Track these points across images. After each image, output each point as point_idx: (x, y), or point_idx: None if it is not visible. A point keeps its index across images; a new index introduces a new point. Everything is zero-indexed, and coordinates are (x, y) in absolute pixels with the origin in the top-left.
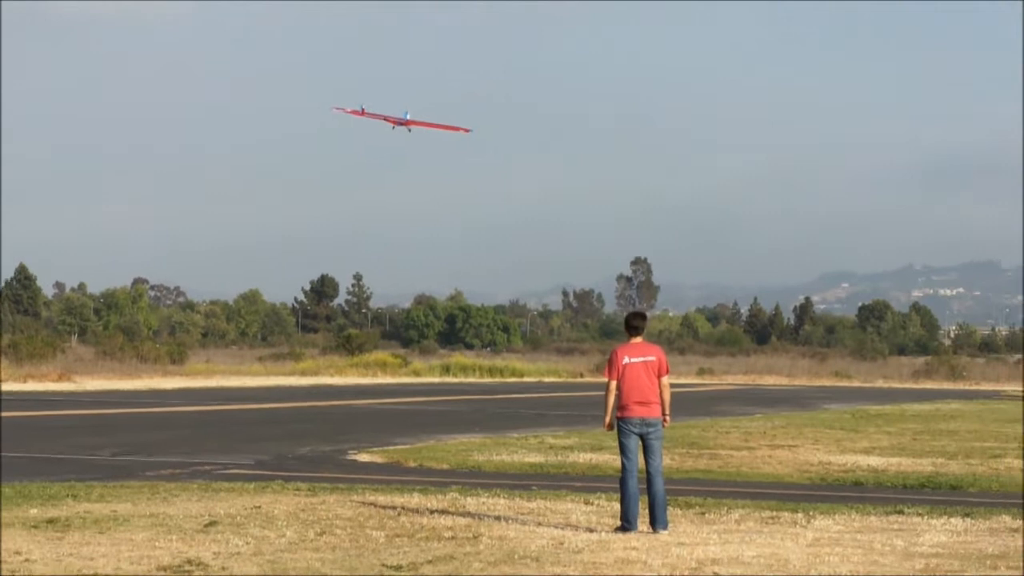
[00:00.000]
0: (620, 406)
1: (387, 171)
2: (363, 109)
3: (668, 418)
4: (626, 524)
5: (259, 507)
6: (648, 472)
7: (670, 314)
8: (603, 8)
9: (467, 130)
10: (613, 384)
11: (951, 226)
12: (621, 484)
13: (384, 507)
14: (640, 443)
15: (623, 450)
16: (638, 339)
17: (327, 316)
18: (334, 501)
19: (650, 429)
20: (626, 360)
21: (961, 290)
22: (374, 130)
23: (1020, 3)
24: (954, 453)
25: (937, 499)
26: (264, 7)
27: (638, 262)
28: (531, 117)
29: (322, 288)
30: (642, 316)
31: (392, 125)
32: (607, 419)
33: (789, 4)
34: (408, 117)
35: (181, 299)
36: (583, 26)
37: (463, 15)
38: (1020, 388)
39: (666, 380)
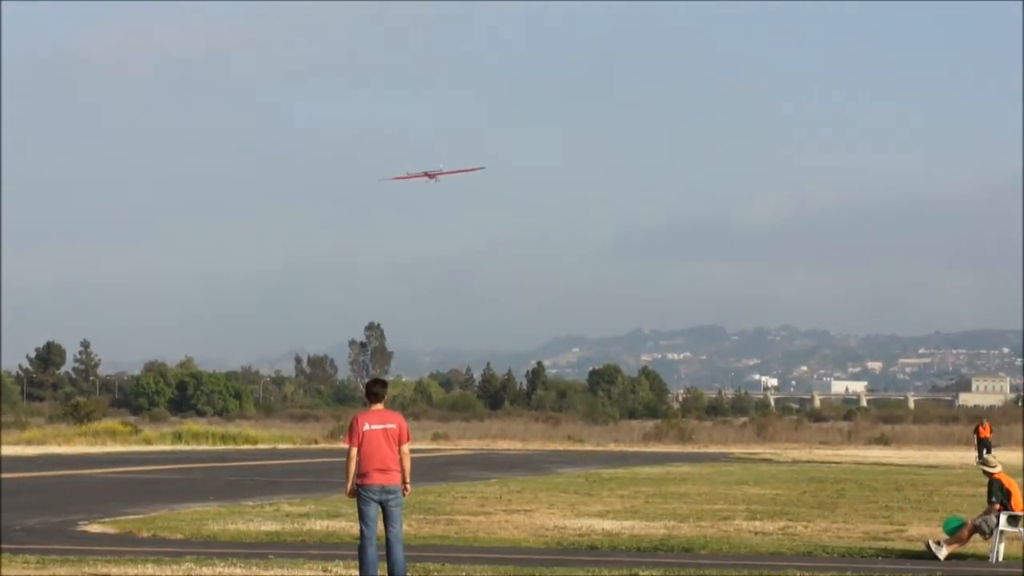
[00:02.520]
0: (360, 473)
1: (113, 234)
2: (407, 173)
3: (409, 486)
4: None
5: None
6: (388, 540)
7: (404, 379)
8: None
9: (480, 168)
10: (354, 451)
11: (678, 292)
12: (360, 552)
13: None
14: (380, 510)
15: (362, 517)
16: (378, 406)
17: (54, 384)
18: (64, 574)
19: (390, 496)
20: (366, 427)
21: (688, 354)
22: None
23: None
24: (685, 516)
25: (670, 561)
26: None
27: (371, 327)
28: (267, 173)
29: (48, 355)
30: (382, 383)
31: (429, 179)
32: (348, 486)
33: (491, 77)
34: (441, 168)
35: None
36: (316, 97)
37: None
38: (746, 450)
39: (406, 448)
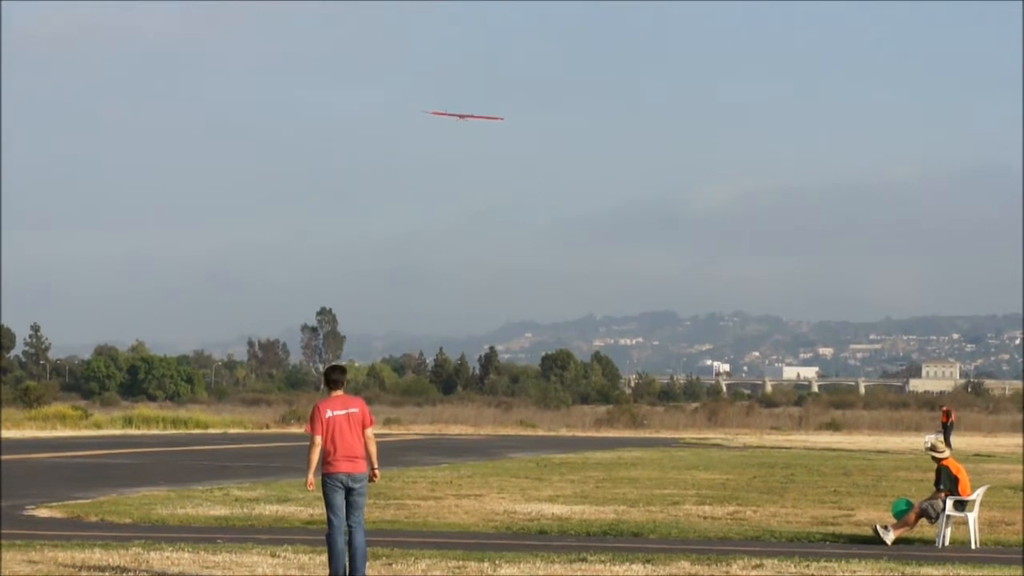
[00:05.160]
0: (325, 461)
1: (65, 217)
2: (445, 111)
3: (377, 472)
4: None
5: None
6: (350, 526)
7: (356, 364)
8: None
9: (500, 118)
10: (318, 439)
11: (630, 277)
12: (328, 540)
13: (64, 564)
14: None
15: (330, 506)
16: (338, 392)
17: (3, 368)
18: (10, 558)
19: (356, 485)
20: (329, 414)
21: (640, 339)
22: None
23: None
24: (635, 500)
25: (620, 546)
26: None
27: (323, 312)
28: (212, 162)
29: None
30: (341, 369)
31: (459, 119)
32: (309, 476)
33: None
34: (472, 113)
35: None
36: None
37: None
38: (698, 435)
39: (371, 432)
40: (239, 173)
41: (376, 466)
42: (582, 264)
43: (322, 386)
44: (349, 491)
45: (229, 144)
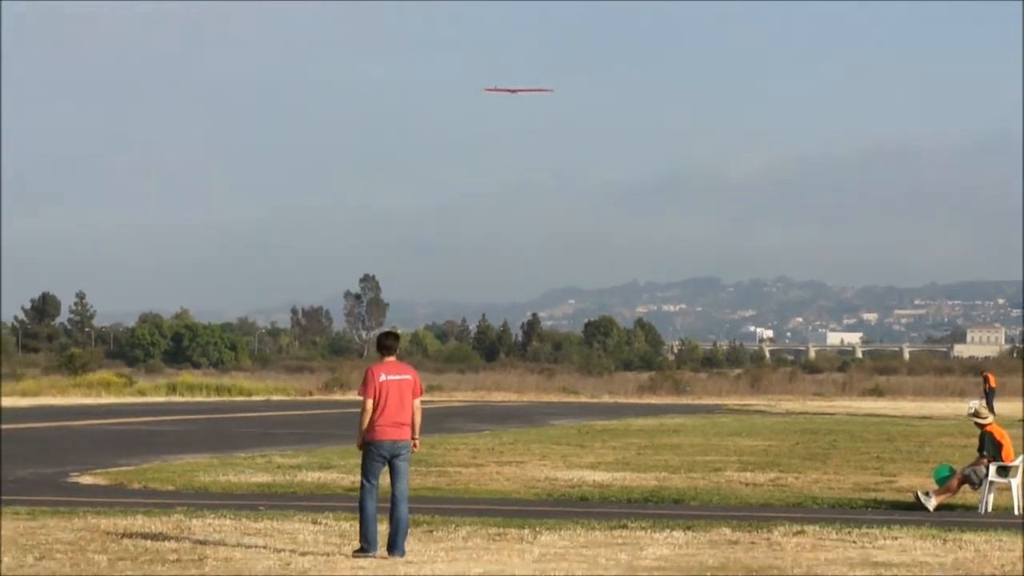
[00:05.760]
0: (370, 427)
1: (104, 185)
2: (496, 87)
3: (417, 442)
4: (365, 546)
5: None
6: (394, 496)
7: (399, 331)
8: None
9: (550, 90)
10: (369, 403)
11: (674, 243)
12: (360, 505)
13: (107, 531)
14: (386, 465)
15: (367, 472)
16: (391, 358)
17: (49, 336)
18: (54, 525)
19: (400, 452)
20: (383, 377)
21: (684, 306)
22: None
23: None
24: (677, 467)
25: (660, 513)
26: None
27: (367, 279)
28: (257, 130)
29: (43, 307)
30: (395, 336)
31: (511, 93)
32: (360, 439)
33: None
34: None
35: None
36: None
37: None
38: (741, 401)
39: (418, 402)
40: (284, 142)
41: (417, 436)
42: (626, 230)
43: (375, 351)
44: (393, 457)
45: (275, 113)
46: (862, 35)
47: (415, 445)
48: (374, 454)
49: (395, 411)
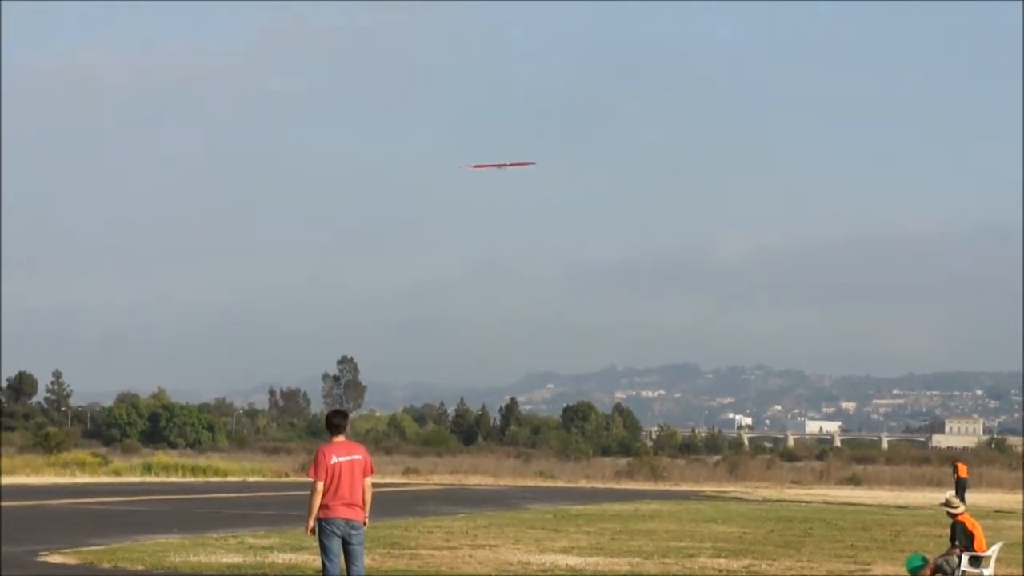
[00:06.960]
0: (323, 506)
1: (89, 262)
2: (478, 164)
3: (367, 520)
4: None
5: None
6: None
7: (377, 414)
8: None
9: (533, 163)
10: (320, 485)
11: (652, 328)
12: None
13: None
14: (341, 546)
15: (325, 552)
16: (340, 437)
17: (25, 415)
18: None
19: (354, 532)
20: (334, 459)
21: (662, 392)
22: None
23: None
24: (650, 553)
25: None
26: None
27: (344, 361)
28: (240, 205)
29: (20, 385)
30: (343, 414)
31: (498, 168)
32: (310, 523)
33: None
34: (506, 162)
35: None
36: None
37: None
38: (718, 488)
39: (369, 481)
40: (262, 220)
41: (368, 514)
42: (603, 315)
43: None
44: (347, 539)
45: (252, 191)
46: (834, 127)
47: (365, 523)
48: (328, 531)
49: (347, 492)
